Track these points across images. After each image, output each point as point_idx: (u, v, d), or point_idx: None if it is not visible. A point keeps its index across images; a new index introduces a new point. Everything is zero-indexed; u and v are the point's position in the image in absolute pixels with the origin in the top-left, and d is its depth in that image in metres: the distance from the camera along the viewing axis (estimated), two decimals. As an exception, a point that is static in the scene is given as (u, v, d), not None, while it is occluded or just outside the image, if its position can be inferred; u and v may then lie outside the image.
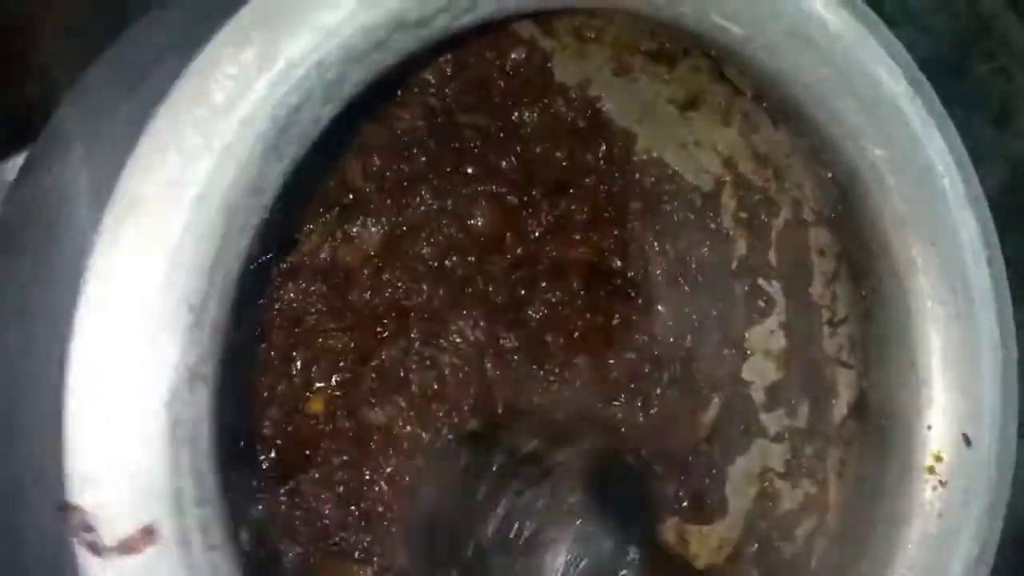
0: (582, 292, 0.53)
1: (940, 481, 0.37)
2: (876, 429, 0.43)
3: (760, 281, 0.53)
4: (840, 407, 0.48)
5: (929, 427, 0.37)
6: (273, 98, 0.26)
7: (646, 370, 0.53)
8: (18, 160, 0.43)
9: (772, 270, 0.53)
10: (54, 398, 0.26)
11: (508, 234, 0.52)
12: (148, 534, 0.24)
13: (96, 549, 0.24)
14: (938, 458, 0.37)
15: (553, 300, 0.52)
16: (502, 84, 0.51)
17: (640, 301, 0.55)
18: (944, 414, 0.37)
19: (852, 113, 0.36)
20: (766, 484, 0.52)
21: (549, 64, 0.51)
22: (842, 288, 0.48)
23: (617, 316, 0.54)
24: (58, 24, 0.51)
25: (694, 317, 0.54)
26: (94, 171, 0.29)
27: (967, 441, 0.37)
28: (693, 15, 0.34)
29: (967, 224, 0.37)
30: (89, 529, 0.24)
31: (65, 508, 0.24)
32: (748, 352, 0.54)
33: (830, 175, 0.39)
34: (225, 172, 0.26)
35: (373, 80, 0.28)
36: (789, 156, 0.48)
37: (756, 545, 0.52)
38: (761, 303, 0.53)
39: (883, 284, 0.39)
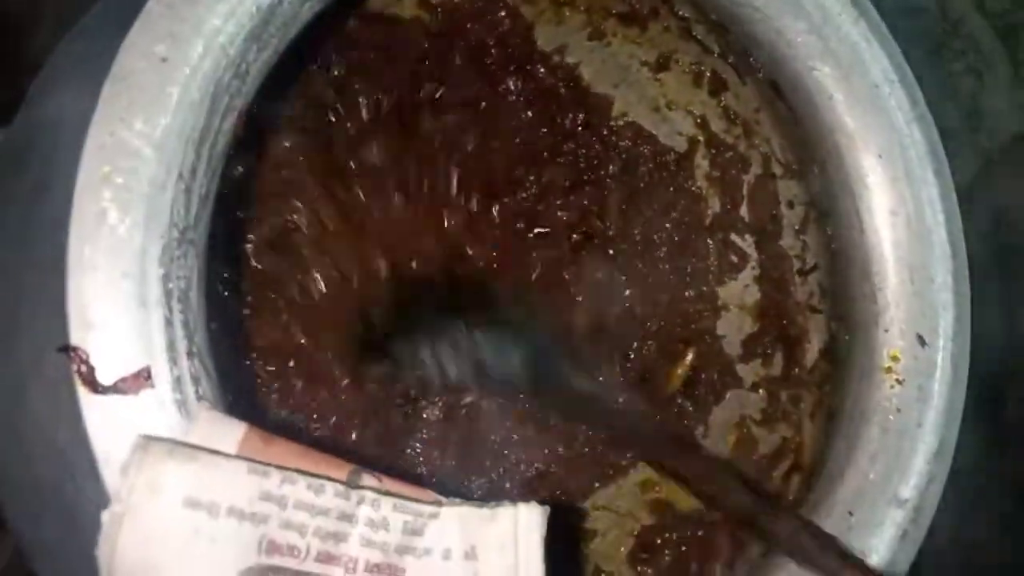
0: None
1: (897, 379, 0.39)
2: (842, 358, 0.45)
3: (733, 236, 0.55)
4: (812, 352, 0.50)
5: (886, 330, 0.39)
6: (257, -10, 0.29)
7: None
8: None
9: (744, 225, 0.55)
10: (56, 282, 0.28)
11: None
12: (144, 377, 0.26)
13: (95, 386, 0.26)
14: (895, 358, 0.39)
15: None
16: (493, 53, 0.54)
17: (618, 260, 0.57)
18: (899, 317, 0.39)
19: (800, 34, 0.39)
20: (744, 431, 0.54)
21: (532, 33, 0.54)
22: (811, 237, 0.50)
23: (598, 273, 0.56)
24: (52, 19, 0.53)
25: (671, 276, 0.56)
26: (88, 100, 0.31)
27: (921, 341, 0.39)
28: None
29: (913, 138, 0.39)
30: (89, 368, 0.26)
31: (67, 349, 0.26)
32: (723, 307, 0.56)
33: (788, 100, 0.41)
34: (212, 55, 0.28)
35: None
36: (758, 111, 0.51)
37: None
38: (734, 258, 0.55)
39: (837, 200, 0.41)
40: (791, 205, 0.51)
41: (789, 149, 0.49)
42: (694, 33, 0.50)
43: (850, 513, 0.38)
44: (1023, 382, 0.51)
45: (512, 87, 0.54)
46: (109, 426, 0.26)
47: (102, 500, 0.28)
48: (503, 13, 0.51)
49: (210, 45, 0.28)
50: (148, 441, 0.26)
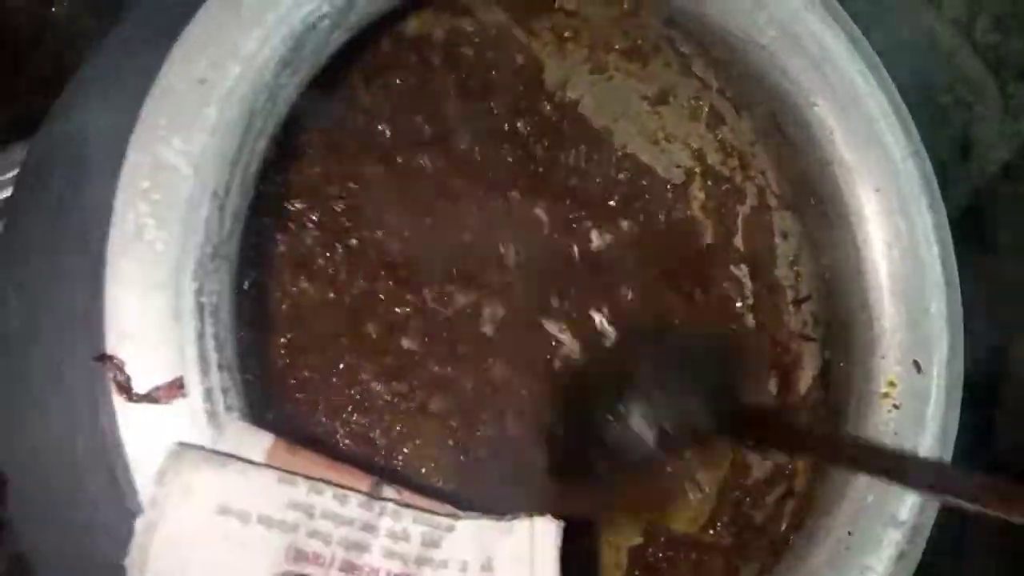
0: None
1: (894, 404, 0.40)
2: (837, 388, 0.46)
3: (729, 267, 0.56)
4: (806, 379, 0.51)
5: (883, 357, 0.41)
6: (291, 18, 0.30)
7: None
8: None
9: (739, 255, 0.56)
10: (79, 293, 0.29)
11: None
12: (177, 387, 0.27)
13: (129, 394, 0.26)
14: (892, 384, 0.40)
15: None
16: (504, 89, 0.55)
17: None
18: (896, 345, 0.40)
19: (802, 71, 0.40)
20: (737, 456, 0.55)
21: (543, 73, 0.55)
22: (804, 267, 0.51)
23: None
24: (56, 35, 0.53)
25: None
26: (118, 116, 0.32)
27: (918, 368, 0.40)
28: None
29: (909, 172, 0.41)
30: (125, 377, 0.26)
31: (103, 358, 0.26)
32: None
33: (788, 134, 0.43)
34: (247, 77, 0.29)
35: (378, 14, 0.32)
36: (753, 145, 0.52)
37: (728, 514, 0.54)
38: (730, 287, 0.57)
39: (834, 232, 0.42)
40: (785, 236, 0.53)
41: (784, 182, 0.50)
42: (693, 69, 0.52)
43: (849, 533, 0.39)
44: (1012, 408, 0.52)
45: (521, 128, 0.56)
46: (142, 434, 0.27)
47: (119, 511, 0.29)
48: (520, 57, 0.53)
49: (246, 68, 0.29)
50: (183, 448, 0.27)
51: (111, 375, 0.26)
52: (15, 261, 0.36)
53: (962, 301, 0.41)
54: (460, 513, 0.30)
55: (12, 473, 0.36)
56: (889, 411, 0.40)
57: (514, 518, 0.30)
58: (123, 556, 0.27)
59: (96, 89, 0.35)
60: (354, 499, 0.28)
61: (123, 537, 0.28)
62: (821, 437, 0.43)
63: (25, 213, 0.37)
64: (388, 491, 0.29)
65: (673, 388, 0.42)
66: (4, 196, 0.42)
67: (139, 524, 0.27)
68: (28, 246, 0.36)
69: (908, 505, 0.39)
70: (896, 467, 0.36)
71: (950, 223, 0.41)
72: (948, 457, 0.40)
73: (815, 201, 0.44)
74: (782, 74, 0.40)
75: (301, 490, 0.27)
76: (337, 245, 0.41)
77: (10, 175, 0.42)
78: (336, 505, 0.28)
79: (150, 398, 0.27)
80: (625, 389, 0.42)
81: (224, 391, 0.28)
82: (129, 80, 0.31)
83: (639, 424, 0.40)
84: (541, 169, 0.54)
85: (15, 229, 0.38)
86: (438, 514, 0.29)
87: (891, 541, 0.38)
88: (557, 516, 0.30)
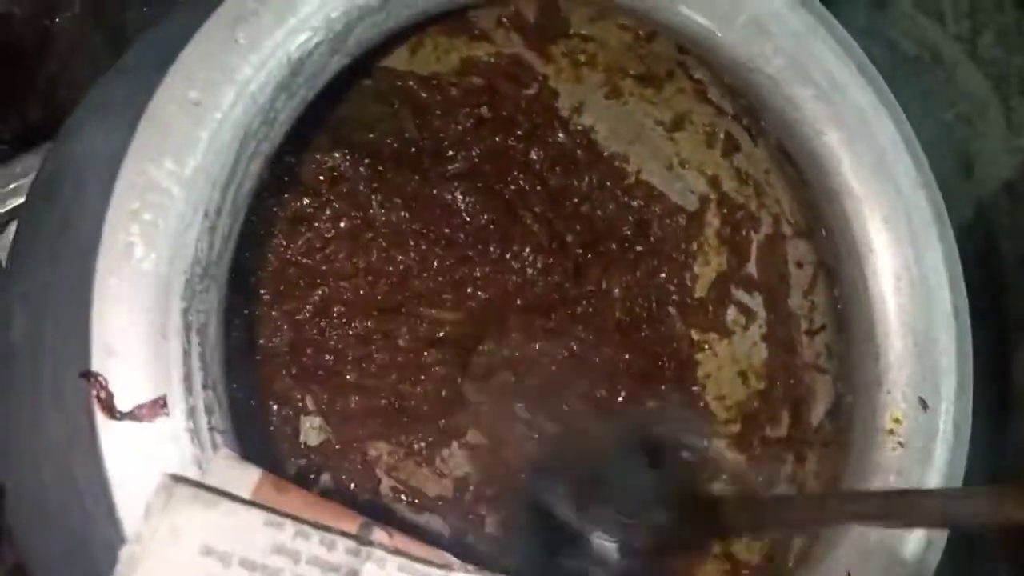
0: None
1: (899, 442, 0.39)
2: (844, 423, 0.45)
3: (742, 294, 0.56)
4: (818, 412, 0.51)
5: (888, 392, 0.40)
6: (288, 44, 0.30)
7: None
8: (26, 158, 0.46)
9: (753, 283, 0.55)
10: (80, 310, 0.29)
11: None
12: (160, 406, 0.27)
13: (112, 412, 0.27)
14: (897, 420, 0.39)
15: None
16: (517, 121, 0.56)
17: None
18: (902, 380, 0.40)
19: (809, 100, 0.40)
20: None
21: (556, 102, 0.56)
22: (819, 297, 0.51)
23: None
24: (62, 50, 0.53)
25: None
26: (120, 138, 0.32)
27: (924, 405, 0.39)
28: (663, 7, 0.38)
29: (918, 203, 0.40)
30: (108, 394, 0.27)
31: (87, 375, 0.27)
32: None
33: (797, 163, 0.43)
34: (242, 102, 0.30)
35: (378, 40, 0.32)
36: (768, 172, 0.52)
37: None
38: (742, 316, 0.56)
39: (843, 263, 0.42)
40: (800, 265, 0.52)
41: (798, 210, 0.50)
42: (709, 95, 0.52)
43: (849, 573, 0.38)
44: (1017, 431, 0.51)
45: (535, 156, 0.56)
46: (124, 452, 0.27)
47: (112, 528, 0.29)
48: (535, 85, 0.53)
49: (241, 93, 0.30)
50: (174, 483, 0.27)
51: (94, 392, 0.26)
52: (22, 273, 0.37)
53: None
54: (455, 564, 0.29)
55: (10, 483, 0.36)
56: (894, 449, 0.39)
57: None
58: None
59: (101, 112, 0.35)
60: (342, 544, 0.28)
61: (116, 553, 0.28)
62: (796, 503, 0.42)
63: (33, 227, 0.37)
64: (378, 533, 0.29)
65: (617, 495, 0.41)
66: (9, 207, 0.42)
67: (122, 555, 0.27)
68: (34, 260, 0.36)
69: (913, 546, 0.38)
70: (888, 510, 0.35)
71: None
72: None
73: (825, 232, 0.44)
74: (789, 103, 0.40)
75: (288, 534, 0.27)
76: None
77: (13, 186, 0.43)
78: (323, 551, 0.28)
79: (133, 416, 0.27)
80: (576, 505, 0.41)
81: (208, 411, 0.28)
82: (131, 104, 0.32)
83: (599, 547, 0.40)
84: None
85: (24, 242, 0.38)
86: (432, 563, 0.29)
87: (894, 581, 0.38)
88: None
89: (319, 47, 0.31)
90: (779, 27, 0.39)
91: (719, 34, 0.39)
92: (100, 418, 0.27)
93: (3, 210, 0.42)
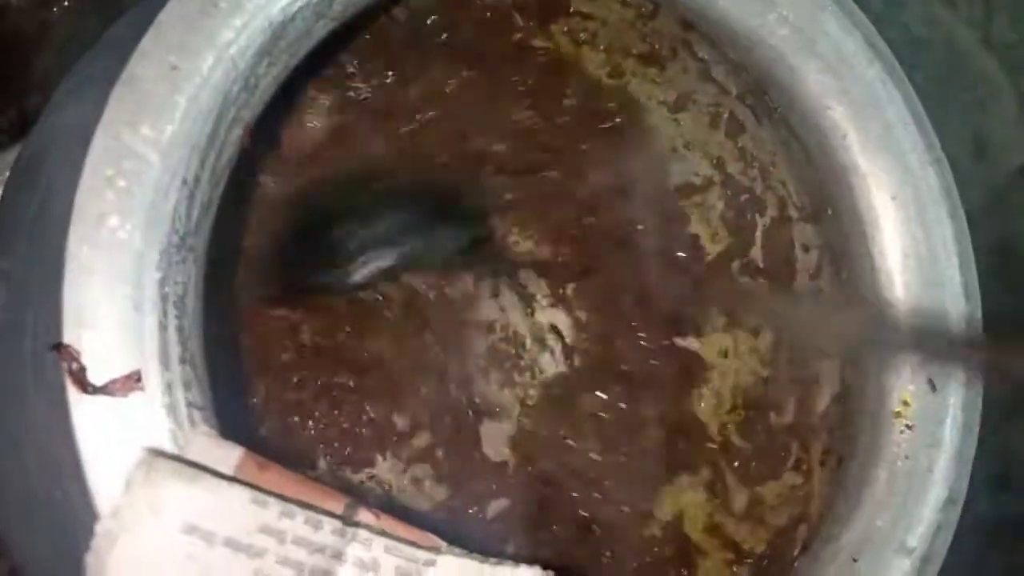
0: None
1: (907, 425, 0.38)
2: (852, 407, 0.44)
3: (746, 279, 0.55)
4: (824, 398, 0.49)
5: (896, 373, 0.39)
6: (270, 7, 0.29)
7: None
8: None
9: (758, 269, 0.54)
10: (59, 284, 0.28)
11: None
12: (135, 380, 0.26)
13: (84, 386, 0.26)
14: (905, 403, 0.38)
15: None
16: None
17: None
18: (910, 361, 0.38)
19: (815, 72, 0.39)
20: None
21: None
22: (825, 281, 0.49)
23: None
24: (59, 39, 0.53)
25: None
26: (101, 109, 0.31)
27: (932, 387, 0.38)
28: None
29: (928, 180, 0.39)
30: (80, 367, 0.26)
31: (59, 347, 0.26)
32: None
33: (802, 140, 0.41)
34: (222, 66, 0.29)
35: (364, 4, 0.31)
36: (774, 154, 0.51)
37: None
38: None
39: (850, 242, 0.40)
40: (806, 249, 0.51)
41: (804, 193, 0.49)
42: (713, 74, 0.50)
43: (854, 560, 0.37)
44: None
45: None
46: (97, 428, 0.26)
47: (87, 507, 0.28)
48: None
49: (221, 57, 0.29)
50: (153, 458, 0.26)
51: (65, 365, 0.25)
52: (4, 250, 0.36)
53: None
54: (443, 546, 0.28)
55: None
56: (902, 431, 0.38)
57: (500, 563, 0.28)
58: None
59: (83, 86, 0.34)
60: (328, 524, 0.27)
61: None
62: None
63: (15, 204, 0.37)
64: (364, 514, 0.28)
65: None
66: None
67: (99, 530, 0.26)
68: (16, 237, 0.35)
69: (919, 533, 0.37)
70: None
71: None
72: (965, 484, 0.38)
73: (831, 211, 0.42)
74: (794, 76, 0.39)
75: (273, 513, 0.26)
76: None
77: (8, 174, 0.42)
78: (309, 530, 0.27)
79: (106, 390, 0.26)
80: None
81: (186, 385, 0.27)
82: (113, 76, 0.31)
83: None
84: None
85: (6, 220, 0.38)
86: (418, 545, 0.28)
87: (900, 569, 0.36)
88: (545, 567, 0.28)
89: (302, 11, 0.30)
90: (784, -1, 0.38)
91: (724, 4, 0.37)
92: (72, 392, 0.26)
93: None
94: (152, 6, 0.36)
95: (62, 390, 0.28)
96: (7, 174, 0.44)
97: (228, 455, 0.27)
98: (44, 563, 0.34)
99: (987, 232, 0.52)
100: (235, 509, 0.26)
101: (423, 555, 0.28)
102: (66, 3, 0.53)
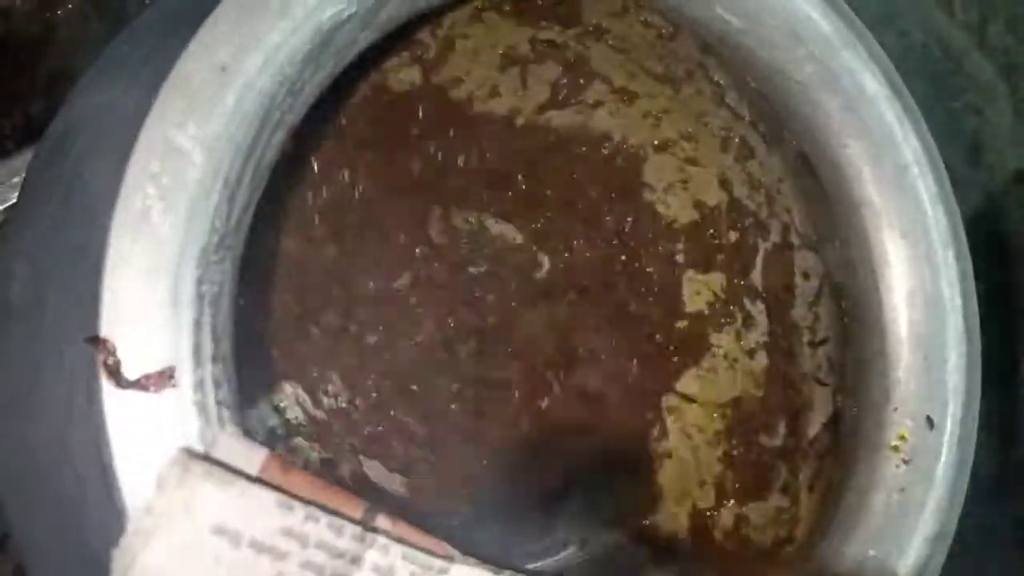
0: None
1: (903, 459, 0.39)
2: (848, 429, 0.45)
3: (744, 301, 0.56)
4: (815, 424, 0.50)
5: (895, 409, 0.39)
6: (319, 13, 0.30)
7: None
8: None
9: (756, 292, 0.55)
10: (82, 274, 0.28)
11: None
12: (168, 376, 0.26)
13: (119, 379, 0.26)
14: (902, 438, 0.39)
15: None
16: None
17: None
18: (910, 397, 0.39)
19: (836, 110, 0.39)
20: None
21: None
22: (823, 310, 0.50)
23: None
24: (64, 43, 0.53)
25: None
26: (139, 96, 0.31)
27: (930, 424, 0.39)
28: (699, 4, 0.38)
29: (938, 220, 0.40)
30: (116, 361, 0.26)
31: (95, 341, 0.26)
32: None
33: (817, 173, 0.42)
34: (270, 70, 0.29)
35: (406, 17, 0.32)
36: (781, 181, 0.52)
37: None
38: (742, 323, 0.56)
39: (856, 276, 0.41)
40: (806, 276, 0.52)
41: (809, 222, 0.50)
42: (726, 99, 0.51)
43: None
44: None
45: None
46: (128, 422, 0.26)
47: (106, 497, 0.28)
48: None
49: (269, 60, 0.29)
50: (189, 459, 0.26)
51: (101, 358, 0.26)
52: (26, 231, 0.36)
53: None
54: (456, 555, 0.29)
55: (2, 451, 0.36)
56: (897, 465, 0.39)
57: (515, 573, 0.28)
58: (107, 548, 0.26)
59: (115, 72, 0.34)
60: (348, 530, 0.27)
61: (108, 528, 0.27)
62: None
63: (39, 185, 0.36)
64: (382, 520, 0.28)
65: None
66: (12, 203, 0.41)
67: (131, 527, 0.26)
68: (39, 218, 0.35)
69: (910, 564, 0.38)
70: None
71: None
72: (955, 517, 0.39)
73: (839, 244, 0.43)
74: (815, 111, 0.39)
75: (298, 517, 0.27)
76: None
77: (16, 180, 0.42)
78: (331, 536, 0.27)
79: (139, 385, 0.26)
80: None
81: (217, 384, 0.28)
82: (153, 62, 0.31)
83: None
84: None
85: (29, 199, 0.38)
86: (432, 553, 0.28)
87: (890, 600, 0.37)
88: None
89: (351, 19, 0.31)
90: (811, 33, 0.39)
91: (751, 36, 0.38)
92: (106, 385, 0.26)
93: (5, 205, 0.41)
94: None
95: (82, 378, 0.28)
96: (15, 180, 0.44)
97: (253, 456, 0.27)
98: (52, 549, 0.34)
99: (982, 236, 0.53)
100: (262, 512, 0.26)
101: (438, 563, 0.28)
102: (70, 6, 0.53)
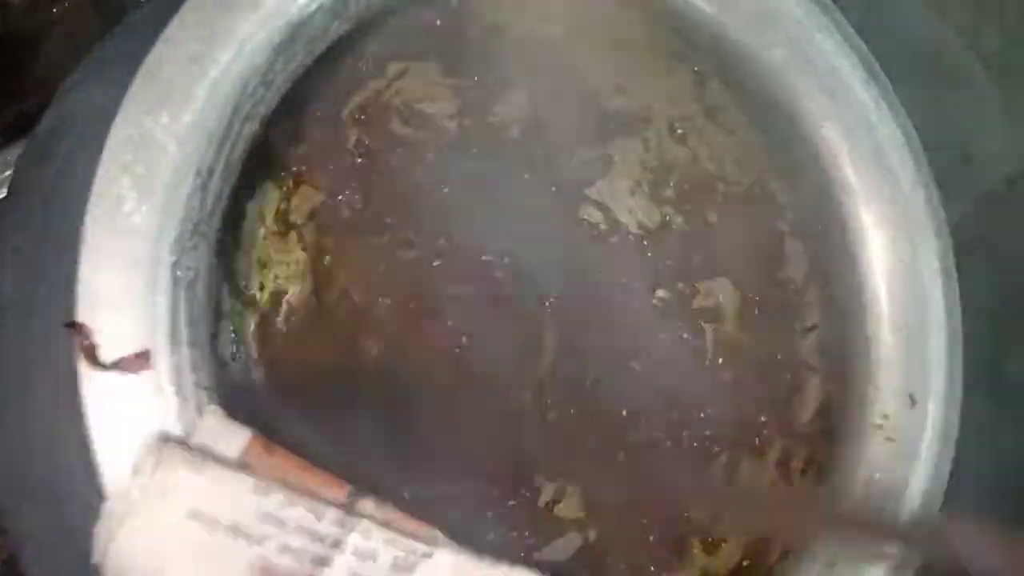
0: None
1: (888, 438, 0.39)
2: (833, 418, 0.45)
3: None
4: (808, 410, 0.50)
5: (878, 388, 0.40)
6: (289, 4, 0.30)
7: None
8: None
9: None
10: (72, 264, 0.29)
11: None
12: (144, 359, 0.27)
13: (96, 362, 0.26)
14: (885, 416, 0.39)
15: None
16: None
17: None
18: (892, 376, 0.40)
19: (811, 92, 0.40)
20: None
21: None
22: (812, 295, 0.50)
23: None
24: (61, 38, 0.53)
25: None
26: (119, 93, 0.32)
27: (912, 401, 0.39)
28: (670, -9, 0.38)
29: (916, 202, 0.40)
30: (92, 344, 0.26)
31: (73, 325, 0.27)
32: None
33: (795, 155, 0.42)
34: (241, 61, 0.30)
35: (378, 7, 0.32)
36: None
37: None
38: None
39: (836, 258, 0.42)
40: (796, 262, 0.52)
41: (792, 207, 0.50)
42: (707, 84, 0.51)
43: (830, 565, 0.38)
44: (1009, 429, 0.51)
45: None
46: (106, 404, 0.27)
47: (90, 483, 0.29)
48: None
49: (240, 51, 0.30)
50: (164, 444, 0.27)
51: (78, 341, 0.26)
52: (15, 227, 0.36)
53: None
54: (441, 538, 0.29)
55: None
56: (882, 444, 0.39)
57: (496, 562, 0.29)
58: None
59: (100, 69, 0.35)
60: (329, 513, 0.28)
61: (93, 514, 0.28)
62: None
63: (27, 182, 0.37)
64: (366, 504, 0.28)
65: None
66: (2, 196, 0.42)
67: (105, 511, 0.27)
68: (28, 214, 0.36)
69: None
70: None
71: (950, 233, 0.40)
72: (940, 496, 0.39)
73: (821, 227, 0.43)
74: (790, 94, 0.40)
75: (275, 501, 0.27)
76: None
77: (7, 174, 0.43)
78: (310, 520, 0.27)
79: (117, 367, 0.27)
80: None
81: (194, 367, 0.28)
82: (131, 60, 0.32)
83: None
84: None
85: (19, 196, 0.38)
86: (418, 537, 0.28)
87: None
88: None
89: (320, 9, 0.31)
90: (784, 16, 0.39)
91: (724, 20, 0.39)
92: (83, 368, 0.26)
93: None
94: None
95: (71, 367, 0.29)
96: (7, 173, 0.45)
97: (236, 437, 0.28)
98: (43, 537, 0.35)
99: (974, 240, 0.53)
100: (238, 497, 0.27)
101: (421, 547, 0.28)
102: (67, 3, 0.54)
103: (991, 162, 0.57)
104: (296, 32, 0.31)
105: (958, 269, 0.40)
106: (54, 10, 0.53)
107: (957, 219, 0.42)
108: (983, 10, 0.59)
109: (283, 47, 0.30)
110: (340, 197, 0.45)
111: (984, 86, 0.58)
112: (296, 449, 0.29)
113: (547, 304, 0.53)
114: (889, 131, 0.40)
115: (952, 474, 0.39)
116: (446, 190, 0.47)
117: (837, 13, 0.40)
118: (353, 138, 0.47)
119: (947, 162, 0.52)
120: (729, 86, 0.47)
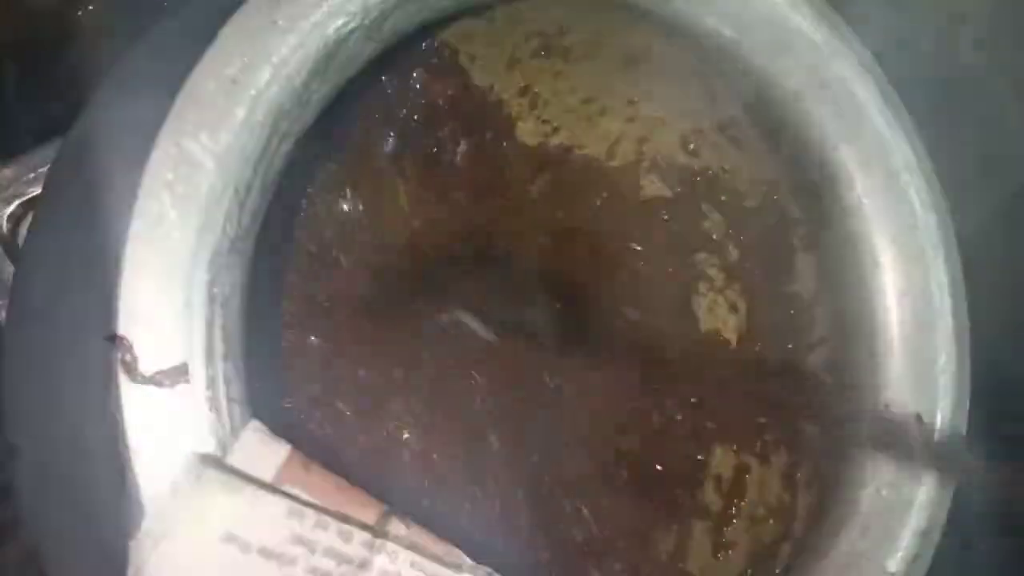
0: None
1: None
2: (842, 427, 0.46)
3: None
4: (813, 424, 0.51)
5: (886, 405, 0.41)
6: (325, 27, 0.31)
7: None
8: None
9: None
10: (106, 275, 0.30)
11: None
12: (181, 373, 0.28)
13: (134, 374, 0.27)
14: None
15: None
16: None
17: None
18: (899, 395, 0.40)
19: (827, 117, 0.41)
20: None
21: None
22: (821, 310, 0.51)
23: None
24: (82, 43, 0.54)
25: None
26: (155, 108, 0.33)
27: (920, 420, 0.40)
28: (689, 16, 0.39)
29: (928, 223, 0.41)
30: (132, 358, 0.27)
31: (113, 338, 0.27)
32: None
33: (809, 179, 0.43)
34: (278, 82, 0.30)
35: (411, 29, 0.33)
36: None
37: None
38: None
39: (848, 277, 0.43)
40: (806, 277, 0.53)
41: (805, 222, 0.50)
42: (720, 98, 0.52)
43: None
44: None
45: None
46: (144, 416, 0.28)
47: (122, 495, 0.30)
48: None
49: (277, 73, 0.30)
50: (203, 466, 0.27)
51: (119, 354, 0.27)
52: (47, 238, 0.37)
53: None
54: (466, 563, 0.30)
55: (23, 446, 0.37)
56: (887, 461, 0.40)
57: None
58: (121, 539, 0.28)
59: (131, 84, 0.36)
60: (358, 536, 0.28)
61: (122, 519, 0.29)
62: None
63: (59, 193, 0.38)
64: (396, 525, 0.29)
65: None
66: (28, 197, 0.43)
67: (142, 531, 0.28)
68: (59, 224, 0.37)
69: (899, 558, 0.39)
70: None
71: (966, 245, 0.41)
72: (943, 514, 0.40)
73: (832, 245, 0.44)
74: (807, 118, 0.41)
75: (308, 524, 0.28)
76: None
77: (32, 175, 0.43)
78: (340, 542, 0.28)
79: (155, 381, 0.28)
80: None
81: (227, 381, 0.29)
82: (163, 77, 0.32)
83: None
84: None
85: (50, 207, 0.39)
86: (443, 561, 0.29)
87: (879, 592, 0.38)
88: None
89: (355, 32, 0.32)
90: (801, 42, 0.40)
91: (743, 46, 0.39)
92: (123, 381, 0.27)
93: (23, 199, 0.43)
94: (197, 9, 0.38)
95: (106, 377, 0.30)
96: (31, 175, 0.46)
97: (275, 452, 0.29)
98: (66, 539, 0.36)
99: (992, 251, 0.54)
100: (272, 519, 0.27)
101: (446, 572, 0.29)
102: (91, 7, 0.54)
103: (1009, 172, 0.57)
104: (332, 54, 0.31)
105: (976, 279, 0.41)
106: (78, 13, 0.53)
107: (976, 229, 0.43)
108: (1001, 19, 0.59)
109: (319, 69, 0.31)
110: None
111: (1002, 96, 0.58)
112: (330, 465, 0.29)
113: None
114: (903, 156, 0.41)
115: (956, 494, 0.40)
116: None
117: (854, 38, 0.41)
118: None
119: (966, 173, 0.53)
120: (745, 108, 0.48)
